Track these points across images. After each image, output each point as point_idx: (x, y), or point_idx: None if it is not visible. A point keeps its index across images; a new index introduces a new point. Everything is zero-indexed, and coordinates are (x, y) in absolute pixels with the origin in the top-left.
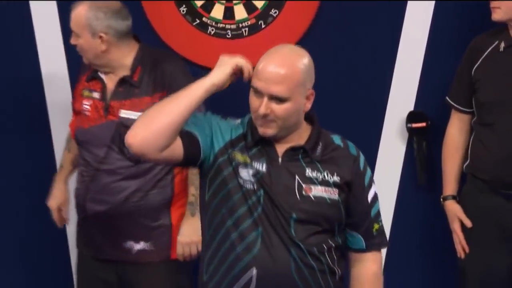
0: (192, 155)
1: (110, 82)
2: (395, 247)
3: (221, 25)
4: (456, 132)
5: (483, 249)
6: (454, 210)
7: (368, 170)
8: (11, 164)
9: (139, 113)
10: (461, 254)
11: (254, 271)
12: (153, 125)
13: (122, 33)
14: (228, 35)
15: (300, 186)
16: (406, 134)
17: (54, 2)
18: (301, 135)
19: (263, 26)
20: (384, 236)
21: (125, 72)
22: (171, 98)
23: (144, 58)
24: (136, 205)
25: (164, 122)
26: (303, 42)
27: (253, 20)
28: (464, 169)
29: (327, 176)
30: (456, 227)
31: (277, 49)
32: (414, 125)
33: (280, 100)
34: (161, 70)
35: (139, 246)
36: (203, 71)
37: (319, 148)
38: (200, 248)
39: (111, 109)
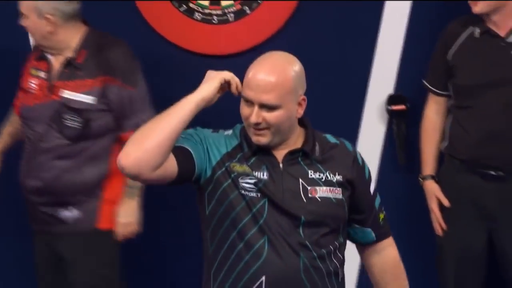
0: (186, 171)
1: (56, 63)
2: None
3: (207, 11)
4: (433, 114)
5: (460, 227)
6: (432, 190)
7: (366, 165)
8: None
9: (81, 95)
10: (439, 232)
11: (263, 278)
12: (145, 144)
13: (68, 15)
14: (214, 20)
15: (305, 189)
16: (386, 116)
17: None
18: (297, 140)
19: (248, 12)
20: (388, 224)
21: (70, 54)
22: (162, 115)
23: (90, 41)
24: (71, 181)
25: (157, 140)
26: (288, 26)
27: (239, 6)
28: (442, 149)
29: (330, 176)
30: (434, 206)
31: (266, 57)
32: (394, 107)
33: (270, 108)
34: (106, 55)
35: (70, 214)
36: (192, 57)
37: (317, 148)
38: (136, 228)
39: (55, 89)
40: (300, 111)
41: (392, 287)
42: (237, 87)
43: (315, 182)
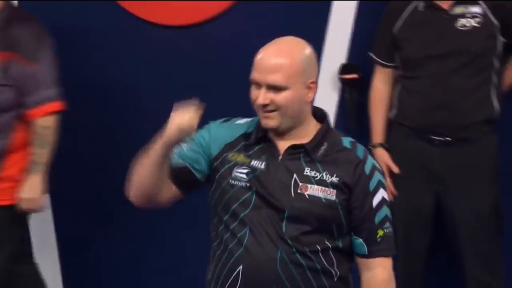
0: (189, 185)
1: None
2: None
3: None
4: (381, 84)
5: (410, 191)
6: (382, 157)
7: (377, 175)
8: None
9: None
10: (390, 197)
11: (240, 267)
12: (137, 181)
13: None
14: None
15: (296, 184)
16: (339, 85)
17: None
18: (308, 132)
19: None
20: (391, 243)
21: None
22: (145, 154)
23: (1, 15)
24: None
25: (144, 176)
26: None
27: None
28: (390, 117)
29: (325, 176)
30: (384, 173)
31: (275, 41)
32: (346, 76)
33: (278, 88)
34: (11, 30)
35: None
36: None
37: (323, 148)
38: (40, 203)
39: None
40: (310, 95)
41: None
42: (192, 130)
43: (308, 180)
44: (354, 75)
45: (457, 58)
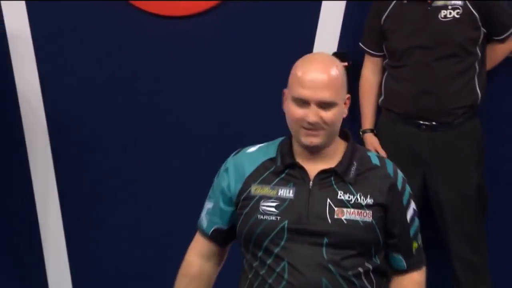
0: (226, 238)
1: None
2: None
3: None
4: (370, 73)
5: None
6: (371, 142)
7: (407, 188)
8: None
9: None
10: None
11: None
12: None
13: None
14: None
15: (331, 210)
16: None
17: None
18: (336, 151)
19: None
20: (423, 254)
21: None
22: None
23: None
24: None
25: None
26: None
27: None
28: (379, 103)
29: (360, 198)
30: None
31: (311, 57)
32: None
33: (328, 105)
34: None
35: None
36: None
37: (353, 168)
38: None
39: None
40: (346, 111)
41: None
42: None
43: (343, 204)
44: (344, 64)
45: (440, 48)
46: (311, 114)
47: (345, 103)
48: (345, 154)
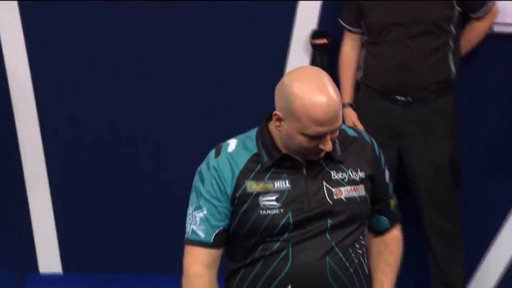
0: (226, 238)
1: None
2: None
3: None
4: (349, 49)
5: None
6: (350, 116)
7: (381, 153)
8: None
9: None
10: None
11: (289, 286)
12: None
13: None
14: None
15: (330, 192)
16: (310, 49)
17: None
18: None
19: None
20: (398, 210)
21: None
22: None
23: None
24: None
25: None
26: None
27: None
28: (357, 79)
29: (352, 174)
30: None
31: (308, 81)
32: (317, 41)
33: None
34: None
35: None
36: None
37: (337, 146)
38: None
39: None
40: None
41: (381, 255)
42: None
43: (339, 183)
44: (324, 40)
45: (415, 26)
46: (328, 144)
47: None
48: None
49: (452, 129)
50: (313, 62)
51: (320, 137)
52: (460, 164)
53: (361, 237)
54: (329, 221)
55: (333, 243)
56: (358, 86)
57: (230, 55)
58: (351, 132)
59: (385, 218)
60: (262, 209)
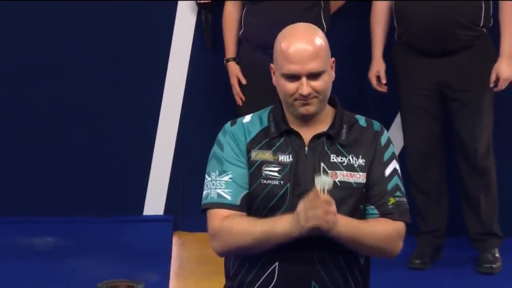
0: (249, 198)
1: None
2: (192, 104)
3: None
4: (231, 7)
5: (254, 95)
6: (234, 70)
7: (391, 147)
8: None
9: None
10: (239, 102)
11: (276, 263)
12: (239, 249)
13: None
14: None
15: (325, 173)
16: (196, 8)
17: None
18: (327, 116)
19: None
20: (402, 210)
21: None
22: (256, 237)
23: None
24: None
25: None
26: None
27: None
28: (240, 36)
29: (352, 160)
30: (234, 82)
31: (293, 29)
32: (201, 1)
33: (318, 75)
34: None
35: None
36: None
37: (344, 131)
38: None
39: None
40: (333, 74)
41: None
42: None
43: (336, 166)
44: (208, 0)
45: None
46: (303, 86)
47: (331, 67)
48: (335, 118)
49: None
50: (199, 20)
51: (296, 78)
52: None
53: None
54: None
55: None
56: (240, 42)
57: (121, 18)
58: (362, 122)
59: (373, 208)
60: (264, 178)
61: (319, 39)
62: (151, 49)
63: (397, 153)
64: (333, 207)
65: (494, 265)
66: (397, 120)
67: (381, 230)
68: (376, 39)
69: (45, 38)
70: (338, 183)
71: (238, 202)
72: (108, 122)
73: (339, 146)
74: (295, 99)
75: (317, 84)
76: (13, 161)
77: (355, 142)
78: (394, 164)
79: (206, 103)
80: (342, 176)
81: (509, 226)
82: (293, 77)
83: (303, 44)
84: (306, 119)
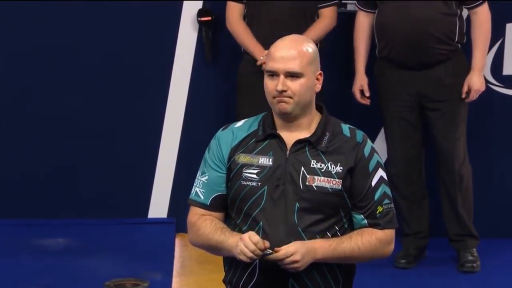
0: (224, 203)
1: None
2: (194, 112)
3: None
4: (238, 17)
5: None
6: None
7: (375, 157)
8: None
9: None
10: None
11: (256, 262)
12: (201, 245)
13: None
14: None
15: (304, 177)
16: (197, 25)
17: None
18: (311, 123)
19: None
20: (390, 218)
21: None
22: (209, 245)
23: None
24: None
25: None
26: None
27: None
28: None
29: (331, 167)
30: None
31: (286, 37)
32: (202, 18)
33: (295, 76)
34: None
35: None
36: None
37: (326, 138)
38: None
39: None
40: (319, 86)
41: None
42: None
43: (315, 172)
44: (208, 18)
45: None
46: (280, 83)
47: (317, 79)
48: (319, 126)
49: None
50: (199, 37)
51: (277, 76)
52: None
53: (337, 228)
54: (297, 205)
55: (300, 228)
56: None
57: (127, 33)
58: (346, 131)
59: (362, 217)
60: (244, 179)
61: (306, 47)
62: (156, 60)
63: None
64: (295, 257)
65: (474, 264)
66: (383, 131)
67: (365, 243)
68: (359, 55)
69: (53, 48)
70: (315, 187)
71: (208, 202)
72: (115, 131)
73: (320, 153)
74: (274, 97)
75: (293, 85)
76: (26, 168)
77: (336, 150)
78: (380, 173)
79: (208, 111)
80: (319, 181)
81: (483, 228)
82: (274, 74)
83: (287, 46)
84: (289, 122)
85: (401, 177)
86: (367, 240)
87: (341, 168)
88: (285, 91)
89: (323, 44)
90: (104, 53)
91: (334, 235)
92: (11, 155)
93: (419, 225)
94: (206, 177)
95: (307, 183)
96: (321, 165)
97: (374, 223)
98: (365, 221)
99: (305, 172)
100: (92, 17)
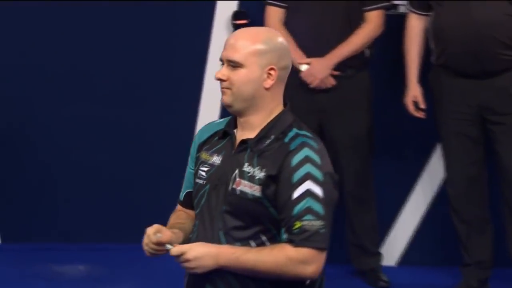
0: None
1: None
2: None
3: None
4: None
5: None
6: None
7: (304, 168)
8: None
9: None
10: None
11: None
12: None
13: None
14: None
15: (234, 179)
16: (231, 29)
17: None
18: (262, 123)
19: None
20: (308, 236)
21: None
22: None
23: None
24: None
25: None
26: None
27: None
28: None
29: (256, 171)
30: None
31: (250, 28)
32: (237, 21)
33: (235, 65)
34: None
35: None
36: None
37: (267, 142)
38: None
39: None
40: (269, 82)
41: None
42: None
43: (243, 175)
44: (244, 21)
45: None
46: (219, 71)
47: (268, 73)
48: (264, 127)
49: (368, 102)
50: None
51: (223, 65)
52: (373, 135)
53: (262, 238)
54: (224, 207)
55: (221, 231)
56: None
57: (160, 38)
58: (288, 137)
59: (283, 230)
60: (197, 177)
61: (257, 38)
62: (187, 67)
63: (438, 182)
64: (186, 256)
65: None
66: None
67: (272, 258)
68: (411, 62)
69: (82, 58)
70: (238, 191)
71: (182, 198)
72: (145, 143)
73: (256, 156)
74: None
75: (232, 74)
76: (45, 191)
77: (268, 155)
78: (307, 186)
79: None
80: (244, 186)
81: None
82: (222, 62)
83: (240, 36)
84: (239, 117)
85: (460, 198)
86: (275, 255)
87: (264, 174)
88: (223, 80)
89: (372, 51)
90: (135, 58)
91: (260, 244)
92: (29, 174)
93: (481, 253)
94: (186, 173)
95: (234, 186)
96: (250, 169)
97: (290, 239)
98: (285, 235)
99: (237, 175)
100: (122, 19)
